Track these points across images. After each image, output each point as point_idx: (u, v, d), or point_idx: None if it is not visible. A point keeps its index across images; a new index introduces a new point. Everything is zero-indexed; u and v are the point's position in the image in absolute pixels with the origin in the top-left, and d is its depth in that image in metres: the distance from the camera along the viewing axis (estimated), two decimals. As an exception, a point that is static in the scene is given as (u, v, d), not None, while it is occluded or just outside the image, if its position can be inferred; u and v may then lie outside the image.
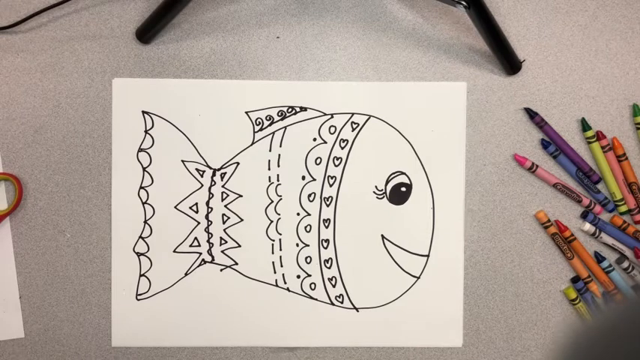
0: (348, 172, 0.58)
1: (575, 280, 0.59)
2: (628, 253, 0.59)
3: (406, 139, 0.58)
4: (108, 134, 0.58)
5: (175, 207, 0.58)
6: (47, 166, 0.58)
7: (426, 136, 0.58)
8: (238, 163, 0.58)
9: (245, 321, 0.58)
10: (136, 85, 0.57)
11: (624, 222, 0.58)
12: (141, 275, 0.58)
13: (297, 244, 0.58)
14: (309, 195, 0.58)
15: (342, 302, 0.58)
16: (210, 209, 0.58)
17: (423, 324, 0.58)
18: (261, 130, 0.58)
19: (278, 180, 0.58)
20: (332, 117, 0.58)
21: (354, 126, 0.58)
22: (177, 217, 0.58)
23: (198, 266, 0.58)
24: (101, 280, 0.58)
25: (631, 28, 0.59)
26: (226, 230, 0.58)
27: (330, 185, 0.58)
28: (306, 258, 0.58)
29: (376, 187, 0.58)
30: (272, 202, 0.58)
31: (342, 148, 0.58)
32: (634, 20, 0.59)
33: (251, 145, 0.58)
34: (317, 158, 0.58)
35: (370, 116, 0.58)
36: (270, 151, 0.58)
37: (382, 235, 0.58)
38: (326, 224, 0.58)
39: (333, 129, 0.58)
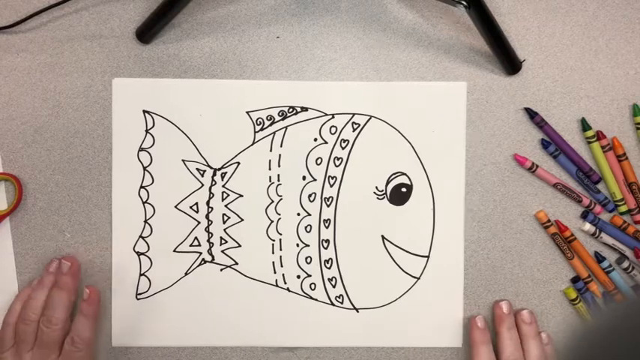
0: (349, 173, 0.58)
1: (575, 280, 0.59)
2: (628, 253, 0.59)
3: (407, 139, 0.58)
4: (108, 134, 0.58)
5: (176, 206, 0.58)
6: (47, 166, 0.58)
7: (427, 136, 0.58)
8: (239, 163, 0.58)
9: (245, 321, 0.58)
10: (136, 85, 0.57)
11: (624, 222, 0.58)
12: (141, 275, 0.58)
13: (298, 244, 0.58)
14: (310, 195, 0.58)
15: (342, 302, 0.58)
16: (210, 209, 0.58)
17: (423, 324, 0.58)
18: (261, 130, 0.58)
19: (278, 180, 0.58)
20: (333, 117, 0.58)
21: (355, 126, 0.58)
22: (178, 217, 0.58)
23: (198, 266, 0.58)
24: (101, 280, 0.58)
25: (631, 28, 0.59)
26: (226, 230, 0.58)
27: (331, 185, 0.58)
28: (306, 258, 0.58)
29: (377, 187, 0.58)
30: (272, 202, 0.58)
31: (343, 149, 0.58)
32: (634, 20, 0.59)
33: (252, 144, 0.58)
34: (317, 158, 0.58)
35: (371, 117, 0.58)
36: (270, 151, 0.58)
37: (382, 236, 0.58)
38: (326, 224, 0.58)
39: (333, 129, 0.58)
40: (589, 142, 0.58)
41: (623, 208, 0.59)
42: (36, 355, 0.54)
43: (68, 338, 0.54)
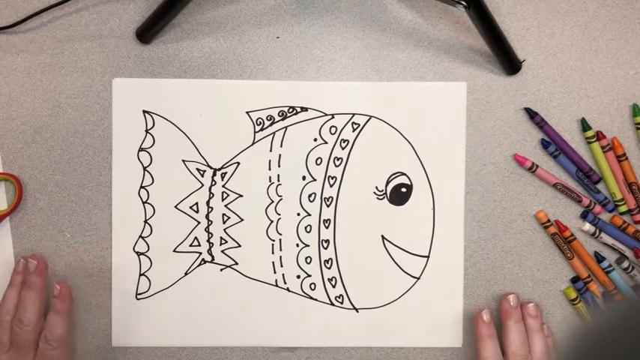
0: (349, 173, 0.58)
1: (575, 280, 0.59)
2: (628, 253, 0.59)
3: (407, 139, 0.58)
4: (108, 134, 0.58)
5: (176, 206, 0.58)
6: (47, 166, 0.58)
7: (427, 136, 0.58)
8: (239, 163, 0.58)
9: (245, 321, 0.58)
10: (136, 85, 0.57)
11: (624, 222, 0.58)
12: (141, 275, 0.58)
13: (297, 245, 0.58)
14: (310, 195, 0.58)
15: (341, 303, 0.58)
16: (210, 209, 0.58)
17: (422, 324, 0.58)
18: (261, 130, 0.58)
19: (278, 180, 0.58)
20: (333, 117, 0.58)
21: (355, 126, 0.58)
22: (178, 217, 0.58)
23: (198, 266, 0.58)
24: (101, 280, 0.58)
25: (631, 28, 0.59)
26: (226, 230, 0.58)
27: (331, 186, 0.58)
28: (306, 258, 0.58)
29: (377, 187, 0.58)
30: (272, 202, 0.58)
31: (343, 149, 0.58)
32: (634, 20, 0.59)
33: (252, 145, 0.58)
34: (317, 158, 0.58)
35: (371, 117, 0.58)
36: (270, 151, 0.58)
37: (382, 236, 0.58)
38: (326, 224, 0.58)
39: (333, 129, 0.58)
40: (589, 142, 0.58)
41: (623, 208, 0.59)
42: (12, 357, 0.54)
43: (42, 337, 0.54)
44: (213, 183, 0.58)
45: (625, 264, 0.58)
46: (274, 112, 0.58)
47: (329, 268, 0.58)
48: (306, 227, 0.58)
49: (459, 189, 0.58)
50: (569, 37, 0.58)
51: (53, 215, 0.58)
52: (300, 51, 0.58)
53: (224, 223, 0.58)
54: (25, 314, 0.54)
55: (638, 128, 0.58)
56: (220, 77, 0.58)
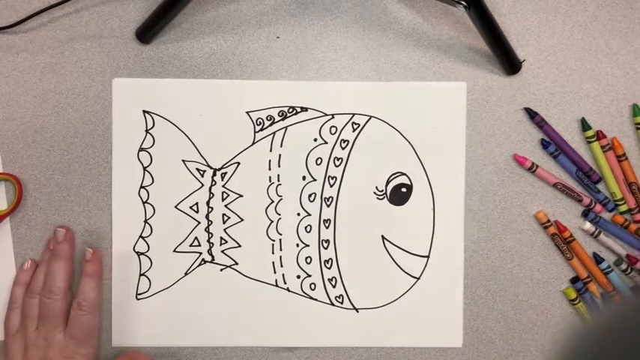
0: (349, 173, 0.58)
1: (574, 280, 0.59)
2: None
3: (407, 139, 0.58)
4: (108, 134, 0.58)
5: (176, 206, 0.58)
6: (47, 166, 0.58)
7: (427, 136, 0.58)
8: (239, 163, 0.58)
9: (245, 321, 0.58)
10: (136, 85, 0.57)
11: (625, 220, 0.58)
12: (141, 275, 0.58)
13: (298, 245, 0.58)
14: (310, 195, 0.58)
15: (341, 303, 0.58)
16: (210, 209, 0.58)
17: (422, 324, 0.58)
18: (261, 130, 0.58)
19: (278, 180, 0.58)
20: (333, 117, 0.58)
21: (355, 126, 0.58)
22: (178, 217, 0.58)
23: (198, 266, 0.58)
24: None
25: (631, 28, 0.59)
26: (226, 230, 0.58)
27: (331, 186, 0.58)
28: (306, 258, 0.58)
29: (377, 187, 0.58)
30: (272, 202, 0.58)
31: (343, 149, 0.58)
32: (634, 20, 0.59)
33: (252, 145, 0.58)
34: (317, 158, 0.58)
35: (371, 117, 0.58)
36: (270, 151, 0.58)
37: (382, 236, 0.58)
38: (326, 224, 0.58)
39: (333, 129, 0.58)
40: (589, 142, 0.58)
41: (623, 208, 0.59)
42: (41, 332, 0.54)
43: (74, 304, 0.54)
44: (213, 183, 0.58)
45: (623, 265, 0.58)
46: (274, 112, 0.58)
47: (329, 268, 0.58)
48: (306, 227, 0.58)
49: (459, 189, 0.58)
50: (569, 37, 0.58)
51: (53, 215, 0.58)
52: (300, 51, 0.58)
53: (224, 223, 0.58)
54: (54, 283, 0.54)
55: (638, 128, 0.58)
56: (220, 77, 0.58)
